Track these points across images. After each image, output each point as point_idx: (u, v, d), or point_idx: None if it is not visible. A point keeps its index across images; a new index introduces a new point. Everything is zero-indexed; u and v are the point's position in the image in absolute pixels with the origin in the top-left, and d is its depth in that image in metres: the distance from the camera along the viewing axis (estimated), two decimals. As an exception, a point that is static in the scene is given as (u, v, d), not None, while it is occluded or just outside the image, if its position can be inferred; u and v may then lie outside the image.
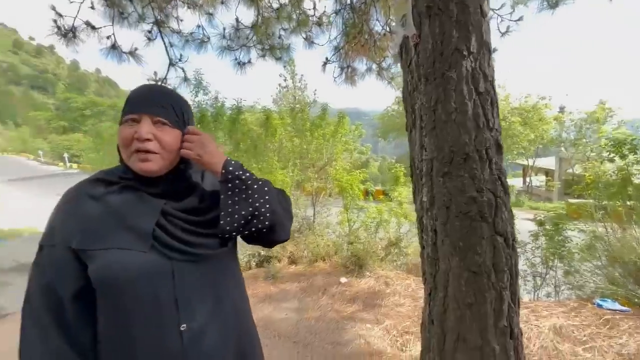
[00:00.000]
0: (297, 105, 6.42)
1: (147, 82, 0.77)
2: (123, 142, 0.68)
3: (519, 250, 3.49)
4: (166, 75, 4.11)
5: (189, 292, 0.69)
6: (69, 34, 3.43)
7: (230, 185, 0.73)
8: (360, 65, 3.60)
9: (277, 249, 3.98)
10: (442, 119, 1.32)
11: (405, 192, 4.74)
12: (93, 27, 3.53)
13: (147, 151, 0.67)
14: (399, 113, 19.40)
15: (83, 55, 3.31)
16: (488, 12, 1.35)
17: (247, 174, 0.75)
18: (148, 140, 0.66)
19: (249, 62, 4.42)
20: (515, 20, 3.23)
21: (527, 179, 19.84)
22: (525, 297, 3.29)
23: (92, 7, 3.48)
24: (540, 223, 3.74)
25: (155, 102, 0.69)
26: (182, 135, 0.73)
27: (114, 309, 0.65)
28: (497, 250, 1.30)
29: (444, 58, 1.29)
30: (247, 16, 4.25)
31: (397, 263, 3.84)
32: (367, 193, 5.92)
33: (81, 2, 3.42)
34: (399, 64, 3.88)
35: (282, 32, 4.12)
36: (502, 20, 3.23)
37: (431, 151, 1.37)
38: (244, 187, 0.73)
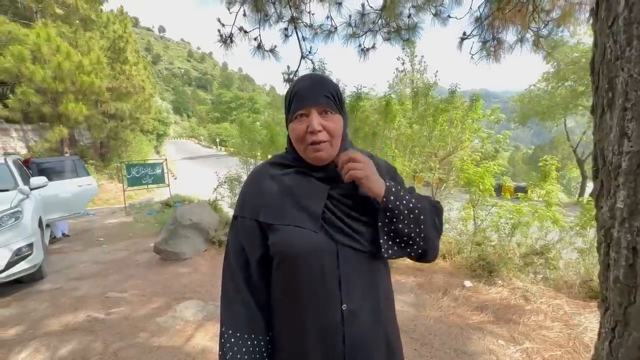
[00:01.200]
0: (419, 89, 5.98)
1: (308, 73, 0.81)
2: (297, 137, 0.74)
3: None
4: (298, 68, 4.50)
5: (349, 273, 0.72)
6: (227, 40, 4.17)
7: (389, 214, 0.73)
8: (509, 36, 3.00)
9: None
10: (668, 96, 0.93)
11: (556, 191, 3.81)
12: (245, 32, 4.15)
13: (320, 142, 0.71)
14: (547, 93, 15.59)
15: (230, 57, 4.01)
16: None
17: (404, 202, 0.74)
18: (319, 131, 0.71)
19: (373, 47, 4.37)
20: None
21: None
22: None
23: (245, 14, 4.09)
24: None
25: (319, 93, 0.73)
26: (343, 119, 0.77)
27: (288, 278, 0.74)
28: None
29: (683, 7, 0.89)
30: (373, 0, 4.15)
31: (540, 276, 3.16)
32: (498, 189, 5.07)
33: (237, 12, 4.06)
34: (561, 30, 3.04)
35: (412, 10, 3.85)
36: None
37: (640, 141, 1.00)
38: (401, 217, 0.73)
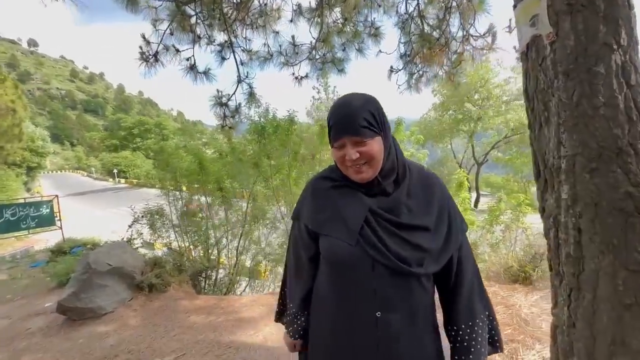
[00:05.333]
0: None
1: (345, 99, 0.84)
2: (338, 162, 0.84)
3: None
4: (235, 91, 4.40)
5: (384, 286, 0.77)
6: (150, 59, 3.80)
7: None
8: (428, 72, 3.60)
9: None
10: (588, 114, 1.29)
11: (467, 197, 4.60)
12: (177, 50, 3.88)
13: (359, 165, 0.79)
14: (436, 120, 19.07)
15: (127, 79, 3.58)
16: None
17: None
18: (356, 159, 0.78)
19: (307, 76, 4.63)
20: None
21: None
22: None
23: (172, 33, 3.83)
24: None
25: (353, 124, 0.76)
26: (384, 137, 0.81)
27: (329, 275, 0.88)
28: (661, 247, 1.22)
29: (589, 53, 1.27)
30: (306, 33, 4.44)
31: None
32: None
33: (165, 30, 3.79)
34: (465, 68, 3.82)
35: (344, 45, 4.27)
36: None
37: (573, 147, 1.35)
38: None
